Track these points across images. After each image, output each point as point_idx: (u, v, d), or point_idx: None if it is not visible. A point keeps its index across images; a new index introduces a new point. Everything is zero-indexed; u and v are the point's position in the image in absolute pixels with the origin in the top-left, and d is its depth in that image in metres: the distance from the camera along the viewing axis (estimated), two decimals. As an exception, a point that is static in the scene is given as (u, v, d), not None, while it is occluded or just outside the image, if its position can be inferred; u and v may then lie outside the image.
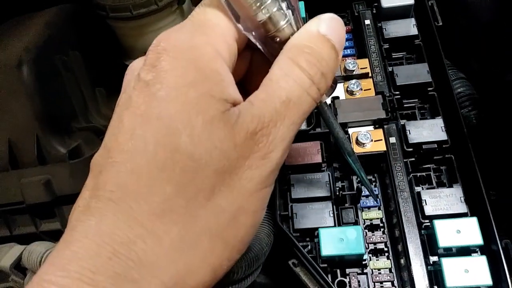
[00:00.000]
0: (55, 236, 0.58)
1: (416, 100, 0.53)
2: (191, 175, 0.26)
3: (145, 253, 0.25)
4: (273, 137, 0.28)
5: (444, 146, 0.48)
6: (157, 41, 0.29)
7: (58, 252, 0.26)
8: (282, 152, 0.29)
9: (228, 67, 0.30)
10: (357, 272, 0.45)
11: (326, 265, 0.44)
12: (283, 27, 0.31)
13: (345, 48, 0.59)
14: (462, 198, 0.45)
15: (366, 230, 0.47)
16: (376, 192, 0.49)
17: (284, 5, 0.31)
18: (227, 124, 0.27)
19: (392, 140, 0.49)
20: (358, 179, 0.49)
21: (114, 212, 0.26)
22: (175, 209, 0.26)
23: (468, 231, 0.42)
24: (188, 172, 0.26)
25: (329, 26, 0.31)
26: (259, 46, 0.32)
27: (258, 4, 0.30)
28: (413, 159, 0.49)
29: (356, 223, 0.47)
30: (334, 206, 0.47)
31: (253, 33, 0.31)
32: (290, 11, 0.31)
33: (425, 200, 0.45)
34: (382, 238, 0.46)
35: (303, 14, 0.54)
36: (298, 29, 0.31)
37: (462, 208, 0.45)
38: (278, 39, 0.31)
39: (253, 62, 0.35)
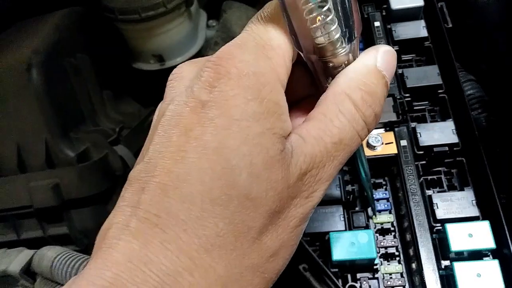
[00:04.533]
0: (63, 240, 0.58)
1: (426, 102, 0.53)
2: (245, 213, 0.26)
3: (190, 285, 0.25)
4: (320, 177, 0.28)
5: (455, 149, 0.48)
6: (218, 58, 0.27)
7: (96, 270, 0.24)
8: (324, 191, 0.29)
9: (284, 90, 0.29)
10: (368, 277, 0.44)
11: (337, 269, 0.44)
12: (340, 54, 0.30)
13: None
14: (474, 202, 0.45)
15: (377, 234, 0.47)
16: (387, 196, 0.49)
17: (346, 32, 0.29)
18: (283, 164, 0.26)
19: (403, 143, 0.49)
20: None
21: (161, 240, 0.25)
22: (224, 245, 0.26)
23: (480, 234, 0.41)
24: (242, 210, 0.26)
25: (385, 60, 0.30)
26: (310, 65, 0.31)
27: (323, 28, 0.28)
28: (424, 162, 0.48)
29: (367, 227, 0.47)
30: (345, 210, 0.46)
31: (306, 52, 0.30)
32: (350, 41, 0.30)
33: (436, 203, 0.45)
34: (393, 242, 0.46)
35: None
36: (353, 58, 0.30)
37: (474, 211, 0.44)
38: (331, 64, 0.30)
39: (294, 73, 0.32)
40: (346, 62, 0.30)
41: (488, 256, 0.42)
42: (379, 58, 0.30)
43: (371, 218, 0.47)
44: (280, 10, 0.29)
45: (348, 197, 0.47)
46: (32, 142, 0.60)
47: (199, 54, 0.74)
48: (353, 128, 0.28)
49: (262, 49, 0.28)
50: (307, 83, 0.33)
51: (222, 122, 0.26)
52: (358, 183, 0.50)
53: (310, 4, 0.27)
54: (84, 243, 0.59)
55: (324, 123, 0.28)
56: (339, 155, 0.28)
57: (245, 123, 0.26)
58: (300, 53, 0.30)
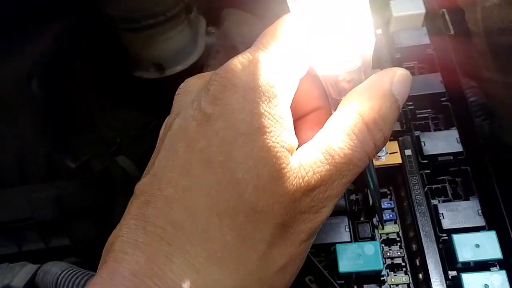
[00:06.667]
0: (64, 252, 0.57)
1: (430, 110, 0.52)
2: (252, 226, 0.26)
3: None
4: (328, 194, 0.28)
5: (459, 157, 0.48)
6: (225, 71, 0.27)
7: (102, 285, 0.24)
8: (333, 206, 0.29)
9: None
10: (374, 288, 0.44)
11: (343, 281, 0.44)
12: (352, 70, 0.29)
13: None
14: (479, 211, 0.44)
15: (383, 245, 0.47)
16: (392, 206, 0.49)
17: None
18: (289, 178, 0.26)
19: (408, 152, 0.49)
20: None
21: (166, 253, 0.25)
22: (231, 258, 0.25)
23: (487, 245, 0.41)
24: (249, 223, 0.26)
25: (401, 84, 0.29)
26: (322, 80, 0.31)
27: None
28: (429, 171, 0.48)
29: (372, 237, 0.46)
30: (350, 221, 0.46)
31: (317, 67, 0.30)
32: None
33: (442, 213, 0.44)
34: (399, 253, 0.46)
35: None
36: (366, 73, 0.30)
37: (480, 221, 0.44)
38: (342, 78, 0.30)
39: (304, 85, 0.32)
40: (358, 77, 0.30)
41: (496, 266, 0.42)
42: (395, 82, 0.29)
43: (377, 228, 0.47)
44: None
45: (354, 207, 0.47)
46: (33, 153, 0.59)
47: (199, 61, 0.74)
48: (364, 150, 0.28)
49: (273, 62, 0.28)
50: (317, 96, 0.33)
51: (227, 135, 0.26)
52: (362, 192, 0.49)
53: None
54: (86, 254, 0.59)
55: (335, 141, 0.28)
56: (348, 174, 0.28)
57: (251, 137, 0.26)
58: (313, 69, 0.30)
